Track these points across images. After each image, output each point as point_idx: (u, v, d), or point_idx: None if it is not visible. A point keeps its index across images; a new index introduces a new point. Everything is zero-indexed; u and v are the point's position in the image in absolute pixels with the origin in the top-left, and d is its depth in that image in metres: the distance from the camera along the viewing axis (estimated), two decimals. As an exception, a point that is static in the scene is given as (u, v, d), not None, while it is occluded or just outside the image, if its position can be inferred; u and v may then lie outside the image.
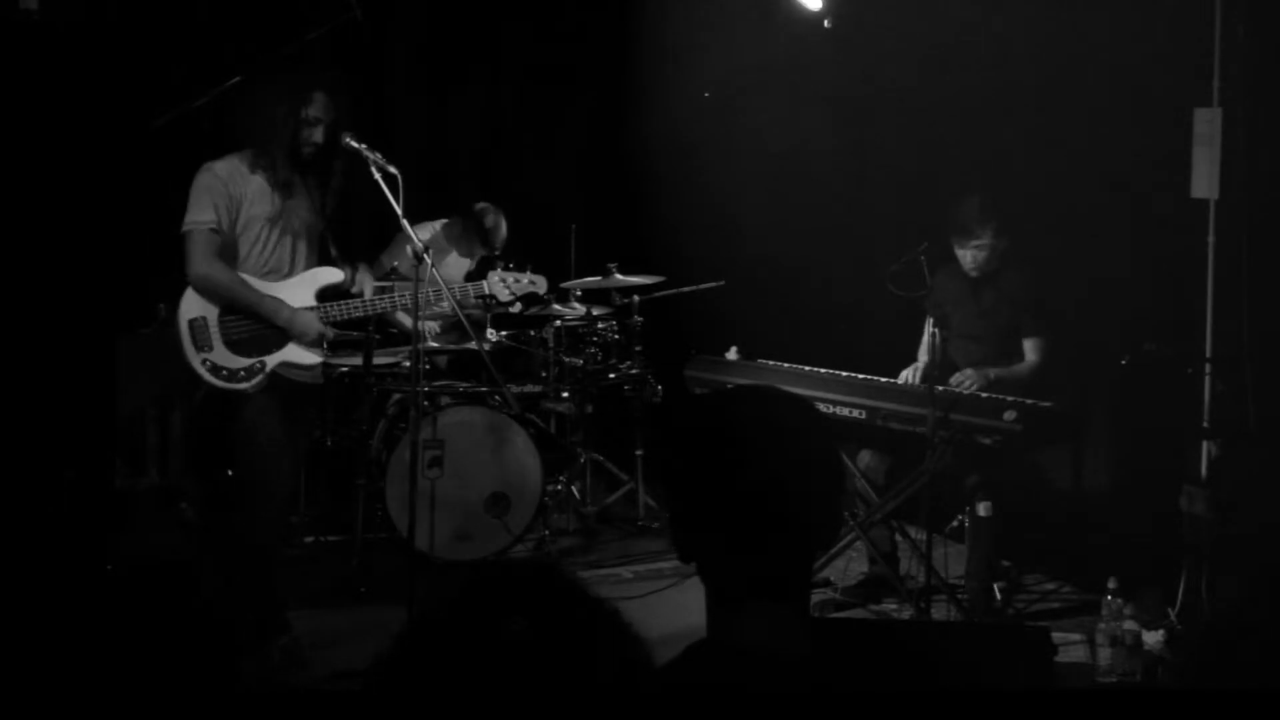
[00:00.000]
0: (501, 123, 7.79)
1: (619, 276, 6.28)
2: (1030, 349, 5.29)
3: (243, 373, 4.41)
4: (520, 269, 5.25)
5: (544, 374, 6.27)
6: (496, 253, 6.45)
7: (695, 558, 1.70)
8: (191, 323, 4.40)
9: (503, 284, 5.17)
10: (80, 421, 5.39)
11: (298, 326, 4.44)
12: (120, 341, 5.72)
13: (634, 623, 1.28)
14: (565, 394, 6.31)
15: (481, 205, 6.53)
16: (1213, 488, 4.90)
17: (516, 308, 5.79)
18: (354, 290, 4.64)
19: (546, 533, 5.96)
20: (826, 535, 1.73)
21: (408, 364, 5.70)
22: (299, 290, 4.50)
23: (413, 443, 4.59)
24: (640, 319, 6.46)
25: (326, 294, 4.55)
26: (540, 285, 5.39)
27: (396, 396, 5.89)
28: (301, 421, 4.71)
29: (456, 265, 6.57)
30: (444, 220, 6.53)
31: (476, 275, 6.31)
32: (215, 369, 4.40)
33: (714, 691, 1.60)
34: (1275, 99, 5.07)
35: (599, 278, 6.31)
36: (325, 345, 4.66)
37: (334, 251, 4.62)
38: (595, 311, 6.41)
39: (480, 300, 5.37)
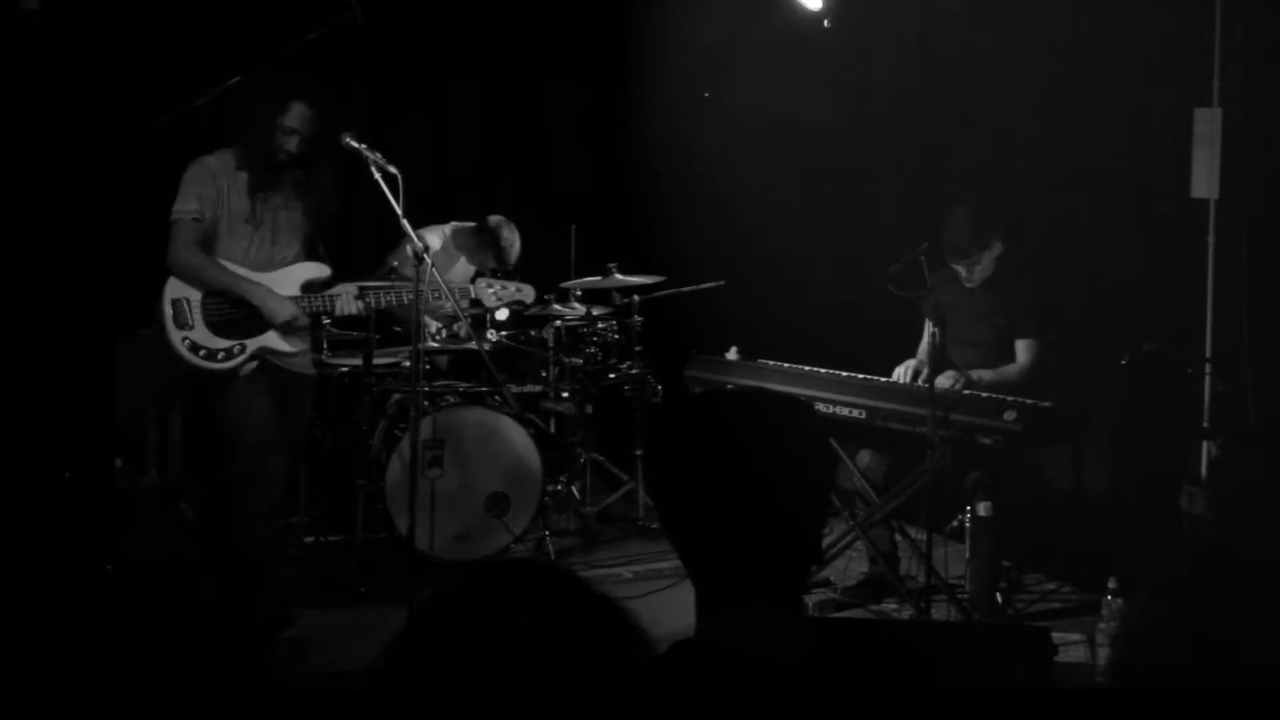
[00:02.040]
0: (502, 123, 7.79)
1: (619, 276, 6.28)
2: (1021, 350, 5.26)
3: (222, 353, 4.52)
4: (508, 277, 5.31)
5: (544, 374, 6.26)
6: (509, 269, 6.43)
7: (683, 557, 1.69)
8: (174, 302, 4.51)
9: (489, 289, 5.21)
10: (80, 421, 5.39)
11: (268, 307, 4.52)
12: (120, 341, 5.73)
13: (642, 621, 1.28)
14: (565, 394, 6.31)
15: (496, 220, 6.39)
16: (1213, 488, 4.90)
17: (503, 314, 5.80)
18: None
19: (546, 533, 5.96)
20: (813, 538, 1.73)
21: (408, 364, 5.70)
22: (281, 283, 4.59)
23: (413, 443, 4.59)
24: (640, 319, 6.46)
25: (310, 289, 4.65)
26: (527, 294, 5.34)
27: (396, 396, 5.89)
28: (295, 415, 4.75)
29: (463, 272, 6.55)
30: (454, 224, 6.49)
31: None
32: (195, 347, 4.50)
33: (694, 691, 1.59)
34: (1275, 99, 5.07)
35: (599, 278, 6.31)
36: (323, 343, 4.70)
37: (321, 250, 4.72)
38: (595, 311, 6.40)
39: (468, 305, 5.35)
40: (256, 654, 4.36)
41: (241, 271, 4.55)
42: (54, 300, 5.44)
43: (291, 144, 4.53)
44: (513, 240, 6.37)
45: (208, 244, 4.53)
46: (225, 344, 4.53)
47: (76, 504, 5.22)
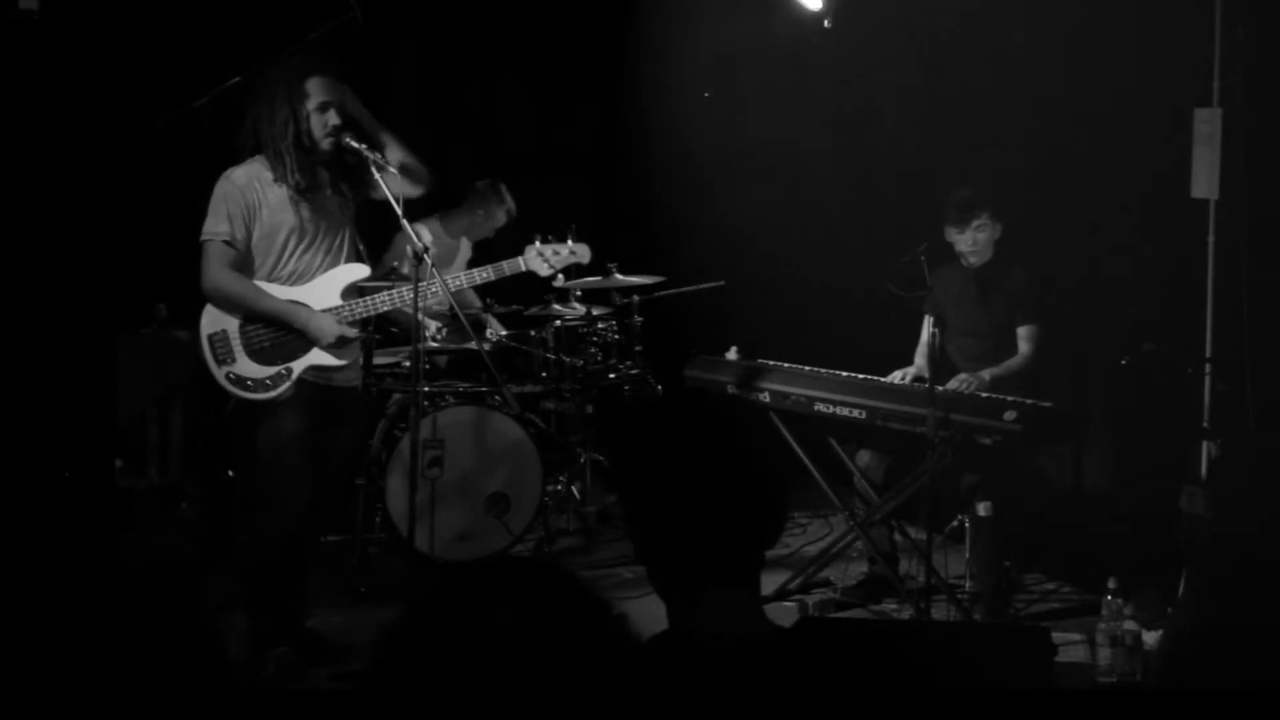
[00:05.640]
0: (502, 122, 7.79)
1: (619, 276, 6.28)
2: (1023, 338, 5.28)
3: (268, 381, 4.32)
4: (560, 239, 4.89)
5: (544, 374, 6.26)
6: (514, 219, 6.64)
7: (645, 561, 1.83)
8: (211, 337, 4.33)
9: (540, 258, 4.83)
10: (80, 421, 5.39)
11: (313, 329, 4.32)
12: (120, 341, 5.72)
13: (631, 619, 1.28)
14: (565, 394, 6.31)
15: (484, 181, 6.70)
16: (1213, 488, 4.90)
17: (559, 280, 5.64)
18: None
19: (546, 533, 5.96)
20: (759, 526, 1.83)
21: (408, 364, 5.70)
22: (322, 291, 4.40)
23: (413, 443, 4.58)
24: (640, 319, 6.46)
25: (351, 292, 4.45)
26: (583, 254, 4.97)
27: (396, 396, 5.89)
28: (342, 432, 4.55)
29: (467, 255, 6.65)
30: (439, 214, 6.54)
31: (477, 263, 6.32)
32: (239, 381, 4.32)
33: (678, 679, 1.63)
34: (1275, 99, 5.07)
35: (599, 278, 6.30)
36: (359, 345, 4.56)
37: (360, 247, 4.52)
38: (595, 311, 6.40)
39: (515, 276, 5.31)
40: (247, 663, 4.35)
41: (284, 290, 4.32)
42: (54, 300, 5.44)
43: (331, 118, 4.27)
44: (504, 191, 6.68)
45: (243, 262, 4.30)
46: (270, 371, 4.31)
47: (76, 504, 5.21)
